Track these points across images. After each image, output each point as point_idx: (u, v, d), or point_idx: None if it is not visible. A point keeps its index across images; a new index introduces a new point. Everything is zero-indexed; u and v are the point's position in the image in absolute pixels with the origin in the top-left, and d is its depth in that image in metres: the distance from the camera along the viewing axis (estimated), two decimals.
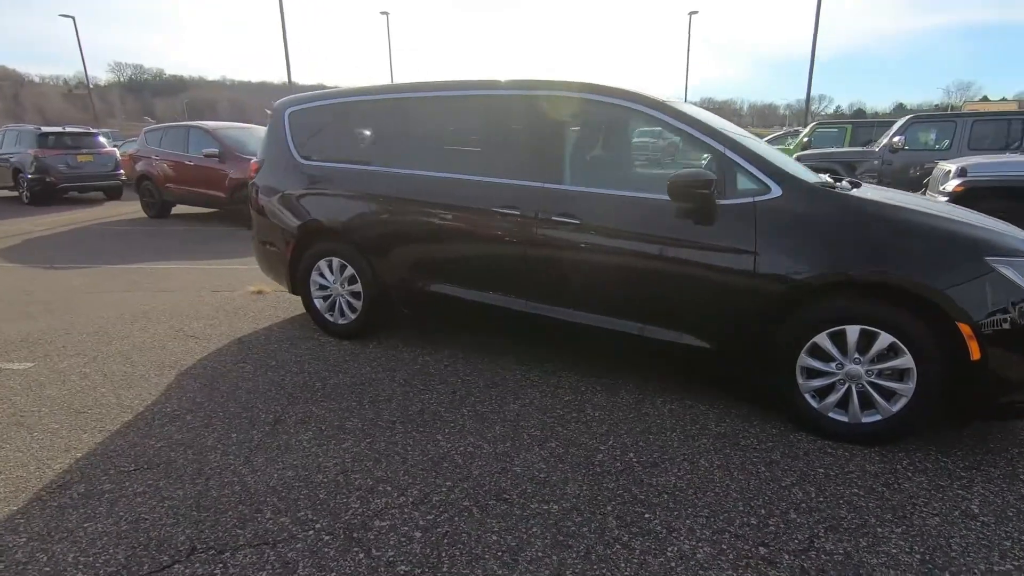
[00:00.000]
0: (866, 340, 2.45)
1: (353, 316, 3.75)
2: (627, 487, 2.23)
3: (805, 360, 2.57)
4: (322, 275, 3.80)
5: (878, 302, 2.42)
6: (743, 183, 2.64)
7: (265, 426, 2.70)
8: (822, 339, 2.52)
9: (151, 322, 4.22)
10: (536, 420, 2.76)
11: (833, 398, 2.56)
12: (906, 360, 2.39)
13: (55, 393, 3.06)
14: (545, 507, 2.11)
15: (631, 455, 2.47)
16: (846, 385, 2.53)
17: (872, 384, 2.48)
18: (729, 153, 2.66)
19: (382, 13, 30.59)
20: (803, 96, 22.35)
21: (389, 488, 2.23)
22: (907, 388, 2.42)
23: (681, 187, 2.55)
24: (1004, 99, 53.48)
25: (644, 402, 2.94)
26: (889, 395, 2.47)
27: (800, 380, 2.60)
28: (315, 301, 3.87)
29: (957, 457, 2.44)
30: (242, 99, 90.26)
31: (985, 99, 55.48)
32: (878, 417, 2.50)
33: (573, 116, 3.00)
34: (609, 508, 2.11)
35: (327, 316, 3.86)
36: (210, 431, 2.65)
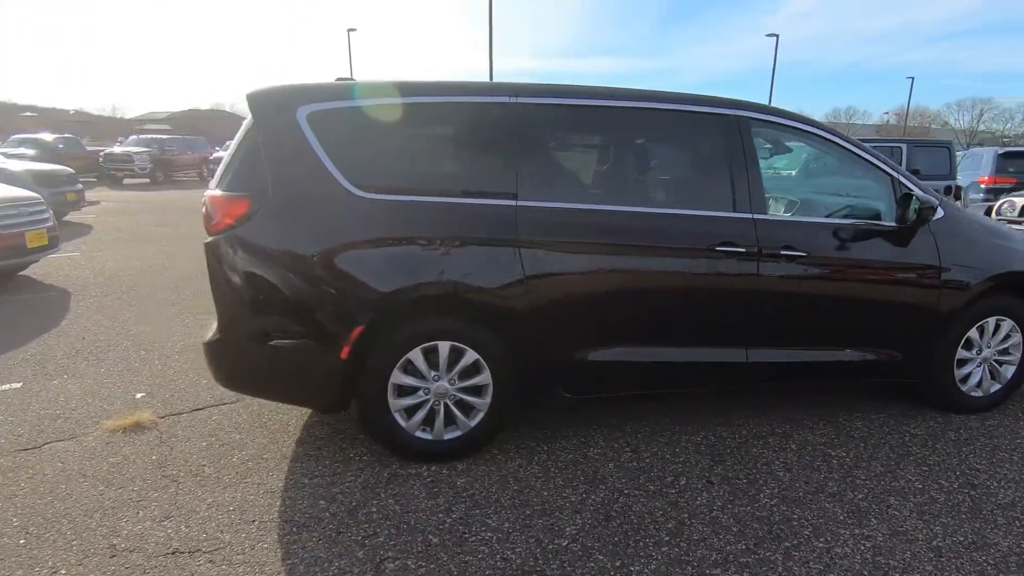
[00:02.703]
0: (995, 328, 3.04)
1: (472, 423, 2.49)
2: (1018, 522, 2.21)
3: (960, 353, 3.02)
4: (412, 371, 2.39)
5: (1001, 296, 3.02)
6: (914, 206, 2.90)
7: None
8: (973, 332, 3.00)
9: (25, 539, 1.87)
10: (838, 483, 2.42)
11: (974, 380, 3.08)
12: (1018, 338, 3.08)
13: None
14: None
15: (951, 483, 2.44)
16: (981, 367, 3.09)
17: (995, 361, 3.10)
18: (903, 179, 2.87)
19: None
20: None
21: None
22: (1015, 358, 3.12)
23: (924, 211, 2.64)
24: None
25: (848, 429, 2.91)
26: (1000, 366, 3.13)
27: (956, 370, 3.04)
28: (395, 415, 2.41)
29: None
30: None
31: None
32: (999, 386, 3.14)
33: (767, 140, 2.71)
34: None
35: (417, 433, 2.46)
36: None
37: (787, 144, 3.12)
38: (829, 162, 2.99)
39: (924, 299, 2.86)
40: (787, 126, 2.79)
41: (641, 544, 2.01)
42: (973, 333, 3.00)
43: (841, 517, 2.19)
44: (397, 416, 2.42)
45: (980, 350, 3.05)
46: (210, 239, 2.29)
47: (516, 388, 2.53)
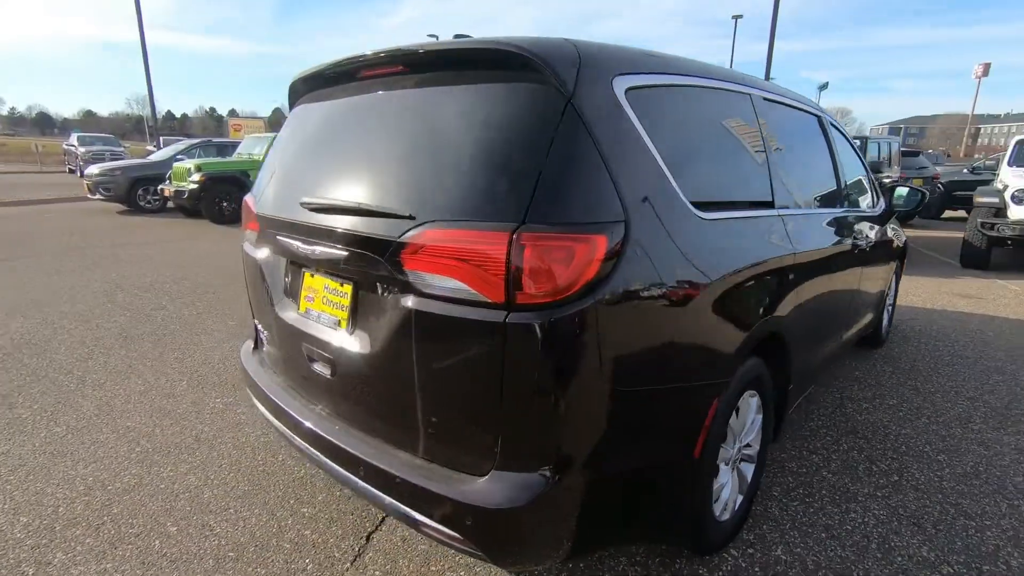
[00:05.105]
0: None
1: (745, 488, 2.05)
2: None
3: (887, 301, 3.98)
4: (726, 436, 1.82)
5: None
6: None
7: None
8: (891, 285, 4.00)
9: None
10: (974, 460, 2.85)
11: (885, 323, 4.11)
12: (895, 285, 4.25)
13: None
14: None
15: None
16: (887, 312, 4.14)
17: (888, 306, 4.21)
18: (869, 173, 3.55)
19: None
20: None
21: None
22: (892, 302, 4.29)
23: (923, 198, 3.33)
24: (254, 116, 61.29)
25: (879, 397, 3.51)
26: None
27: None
28: (713, 504, 1.81)
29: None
30: None
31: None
32: (887, 324, 4.27)
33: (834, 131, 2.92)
34: None
35: (722, 517, 1.90)
36: None
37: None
38: None
39: (888, 267, 3.66)
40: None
41: None
42: (891, 286, 4.00)
43: None
44: (715, 505, 1.82)
45: (889, 299, 4.09)
46: (529, 319, 1.21)
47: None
